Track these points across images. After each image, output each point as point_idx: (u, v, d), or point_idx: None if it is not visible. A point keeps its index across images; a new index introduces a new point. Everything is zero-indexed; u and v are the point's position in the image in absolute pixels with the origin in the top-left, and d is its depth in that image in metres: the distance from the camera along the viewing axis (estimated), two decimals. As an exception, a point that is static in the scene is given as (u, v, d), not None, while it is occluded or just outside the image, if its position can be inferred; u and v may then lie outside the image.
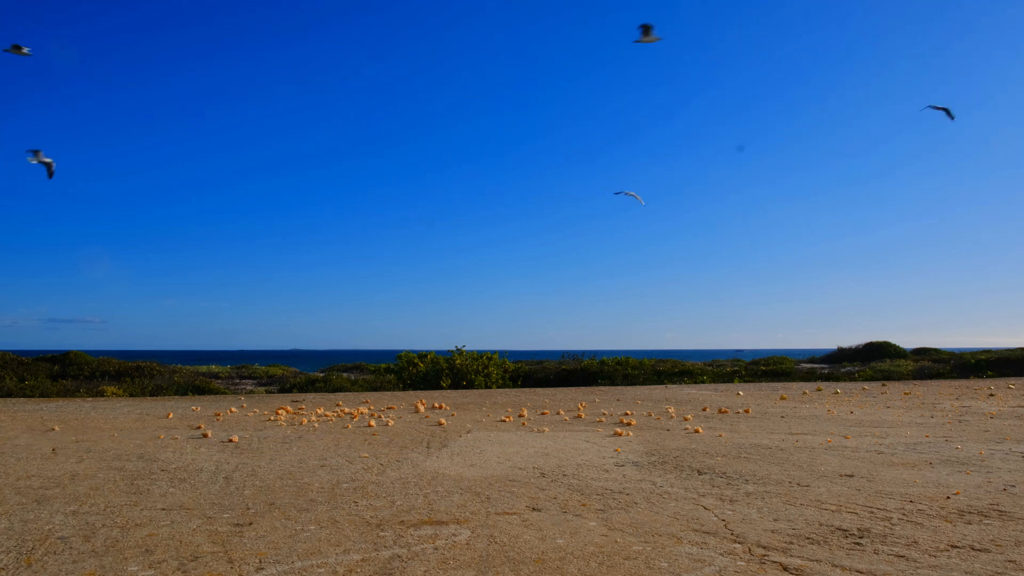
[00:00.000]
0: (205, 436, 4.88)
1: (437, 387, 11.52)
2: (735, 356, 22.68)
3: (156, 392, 10.05)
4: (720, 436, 4.89)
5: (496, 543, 2.28)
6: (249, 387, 13.08)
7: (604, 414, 6.38)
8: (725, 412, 6.55)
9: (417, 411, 6.73)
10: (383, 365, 15.85)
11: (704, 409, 6.87)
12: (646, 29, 5.74)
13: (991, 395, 8.32)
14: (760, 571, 2.00)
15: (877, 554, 2.16)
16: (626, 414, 6.32)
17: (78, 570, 2.02)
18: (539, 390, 10.11)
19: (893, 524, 2.51)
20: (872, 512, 2.69)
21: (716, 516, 2.63)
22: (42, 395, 9.27)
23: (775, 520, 2.57)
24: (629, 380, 13.08)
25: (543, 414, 6.42)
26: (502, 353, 13.01)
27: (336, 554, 2.16)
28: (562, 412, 6.54)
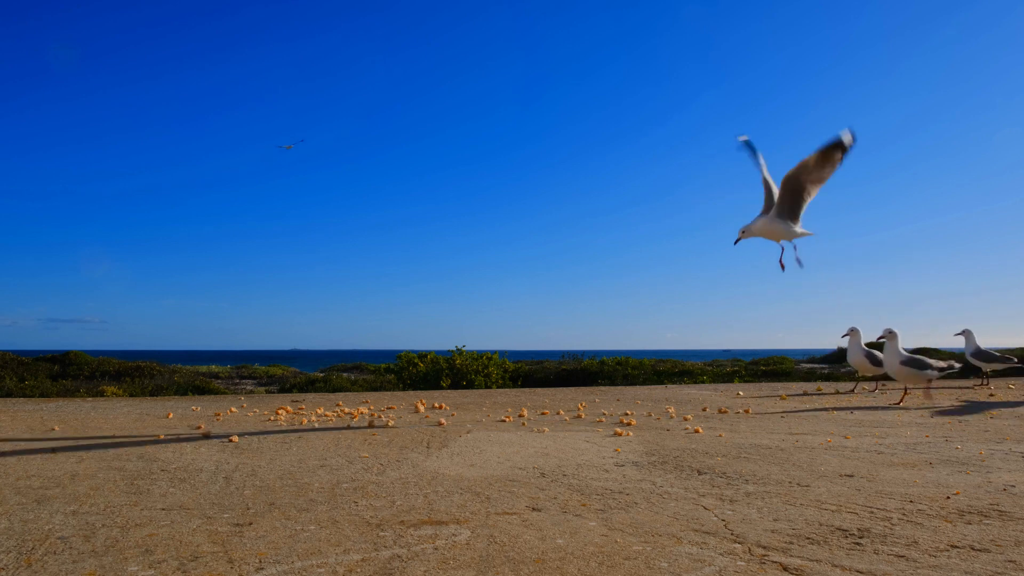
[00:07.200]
0: (205, 436, 4.88)
1: (437, 387, 11.52)
2: (728, 356, 22.73)
3: (156, 392, 10.05)
4: (720, 436, 4.89)
5: (496, 543, 2.28)
6: (249, 387, 13.09)
7: (604, 414, 6.38)
8: (725, 412, 6.55)
9: (417, 411, 6.73)
10: (383, 365, 15.86)
11: (704, 409, 6.87)
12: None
13: (991, 395, 8.32)
14: (760, 571, 2.00)
15: (877, 554, 2.16)
16: (626, 414, 6.32)
17: (78, 570, 2.02)
18: (539, 390, 10.10)
19: (893, 524, 2.51)
20: (872, 512, 2.69)
21: (716, 516, 2.63)
22: (42, 395, 9.27)
23: (775, 520, 2.57)
24: (629, 380, 13.07)
25: (543, 414, 6.42)
26: (502, 353, 13.01)
27: (336, 554, 2.16)
28: (562, 412, 6.53)
